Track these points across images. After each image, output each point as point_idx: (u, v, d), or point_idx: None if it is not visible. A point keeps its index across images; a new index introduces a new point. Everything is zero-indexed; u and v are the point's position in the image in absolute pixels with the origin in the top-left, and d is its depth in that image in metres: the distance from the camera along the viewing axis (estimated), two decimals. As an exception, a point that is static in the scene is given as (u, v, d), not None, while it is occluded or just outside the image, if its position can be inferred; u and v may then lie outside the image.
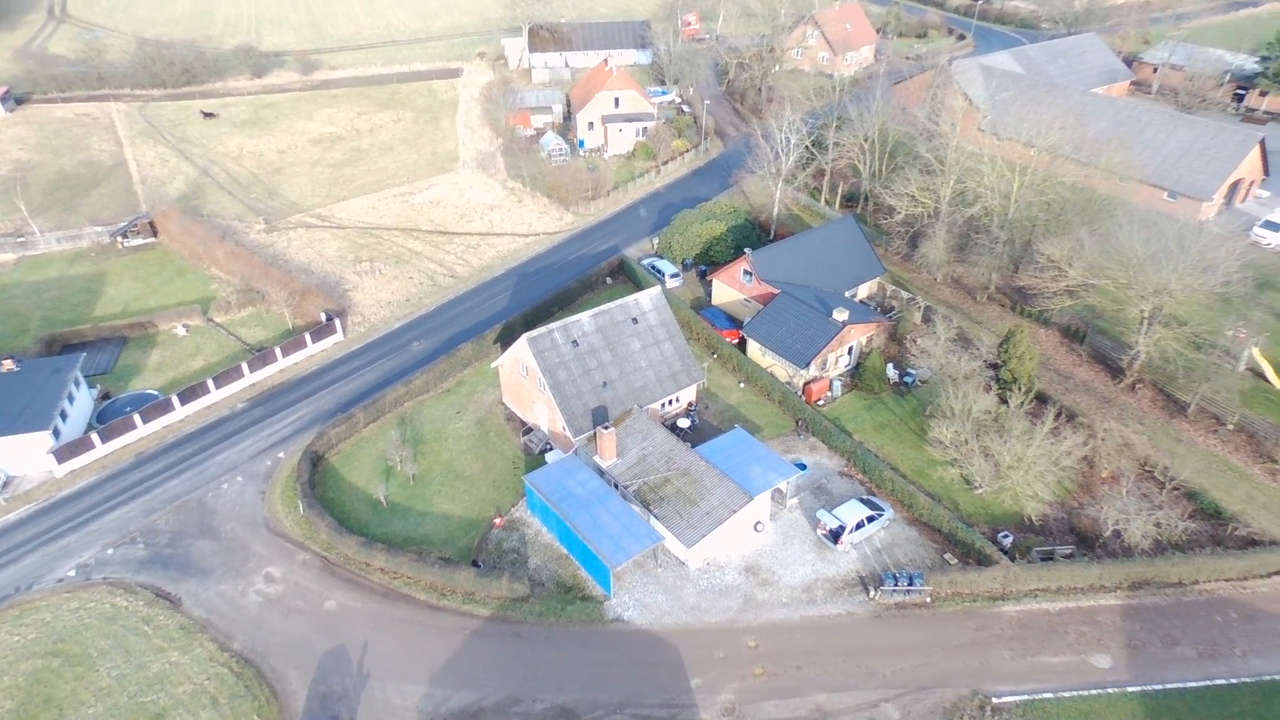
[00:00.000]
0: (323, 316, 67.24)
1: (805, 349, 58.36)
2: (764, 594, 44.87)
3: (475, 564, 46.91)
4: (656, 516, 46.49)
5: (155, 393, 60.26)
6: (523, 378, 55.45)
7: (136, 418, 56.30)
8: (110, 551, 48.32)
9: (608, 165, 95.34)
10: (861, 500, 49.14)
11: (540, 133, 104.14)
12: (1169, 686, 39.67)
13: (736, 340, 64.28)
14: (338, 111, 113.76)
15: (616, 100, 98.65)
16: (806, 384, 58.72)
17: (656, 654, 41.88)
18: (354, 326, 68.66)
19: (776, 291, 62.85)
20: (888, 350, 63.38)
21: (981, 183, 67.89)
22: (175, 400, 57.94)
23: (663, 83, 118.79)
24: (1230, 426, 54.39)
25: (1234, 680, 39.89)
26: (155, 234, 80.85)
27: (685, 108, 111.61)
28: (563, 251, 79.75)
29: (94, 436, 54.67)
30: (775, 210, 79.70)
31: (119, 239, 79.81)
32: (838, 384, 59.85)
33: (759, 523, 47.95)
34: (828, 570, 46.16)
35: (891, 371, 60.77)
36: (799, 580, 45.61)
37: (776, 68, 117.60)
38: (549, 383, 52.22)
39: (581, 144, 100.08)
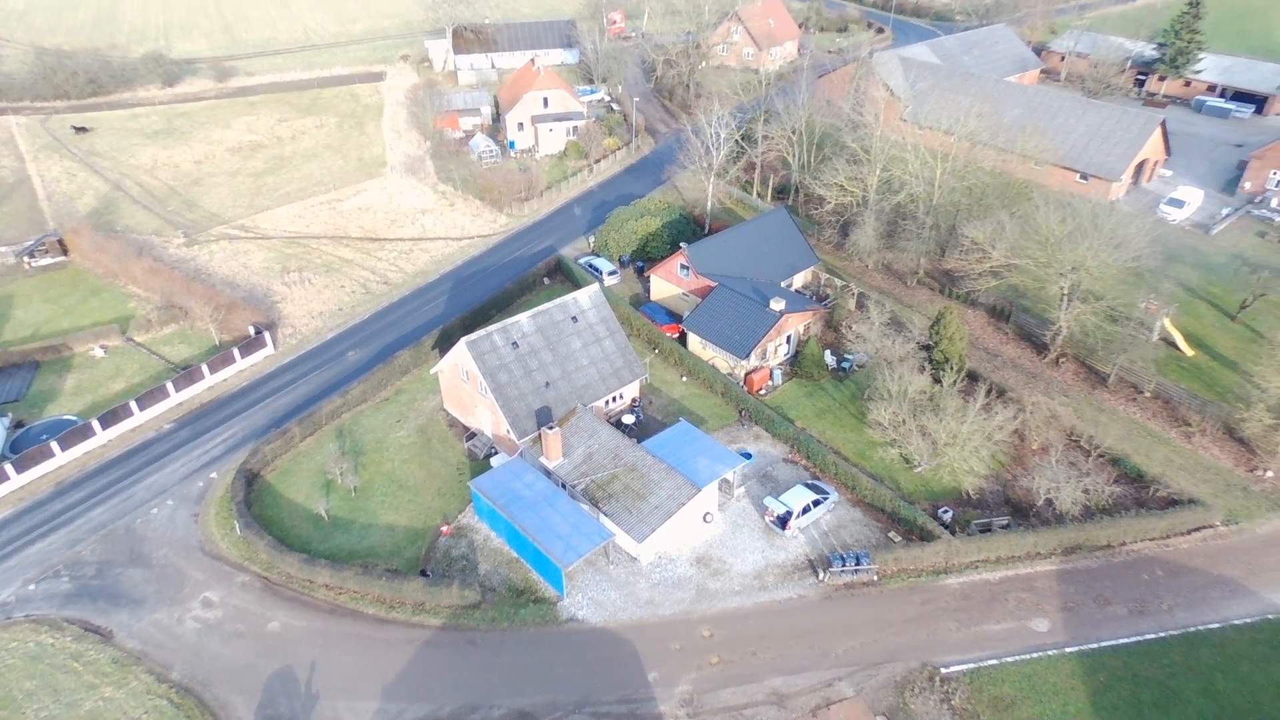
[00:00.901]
0: (251, 330, 65.03)
1: (745, 340, 59.04)
2: (716, 583, 45.23)
3: (424, 573, 46.02)
4: (606, 514, 46.41)
5: (74, 418, 57.31)
6: (463, 382, 54.66)
7: (54, 445, 53.45)
8: (32, 587, 45.78)
9: (540, 165, 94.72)
10: (807, 485, 49.98)
11: (469, 135, 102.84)
12: (1103, 645, 41.43)
13: (677, 334, 64.63)
14: (257, 119, 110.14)
15: (545, 100, 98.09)
16: (747, 374, 59.42)
17: (613, 651, 41.81)
18: (285, 339, 66.61)
19: (714, 284, 63.40)
20: (825, 337, 64.61)
21: (906, 170, 69.82)
22: (96, 425, 55.22)
23: (591, 81, 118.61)
24: (1147, 394, 57.13)
25: (1163, 634, 41.91)
26: (65, 252, 76.91)
27: (615, 106, 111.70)
28: (498, 254, 78.90)
29: (7, 467, 51.69)
30: (709, 204, 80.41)
31: (25, 259, 75.65)
32: (778, 373, 60.74)
33: (708, 513, 48.31)
34: (777, 556, 46.80)
35: (829, 358, 61.97)
36: (750, 567, 46.12)
37: (703, 64, 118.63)
38: (490, 385, 51.60)
39: (512, 145, 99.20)
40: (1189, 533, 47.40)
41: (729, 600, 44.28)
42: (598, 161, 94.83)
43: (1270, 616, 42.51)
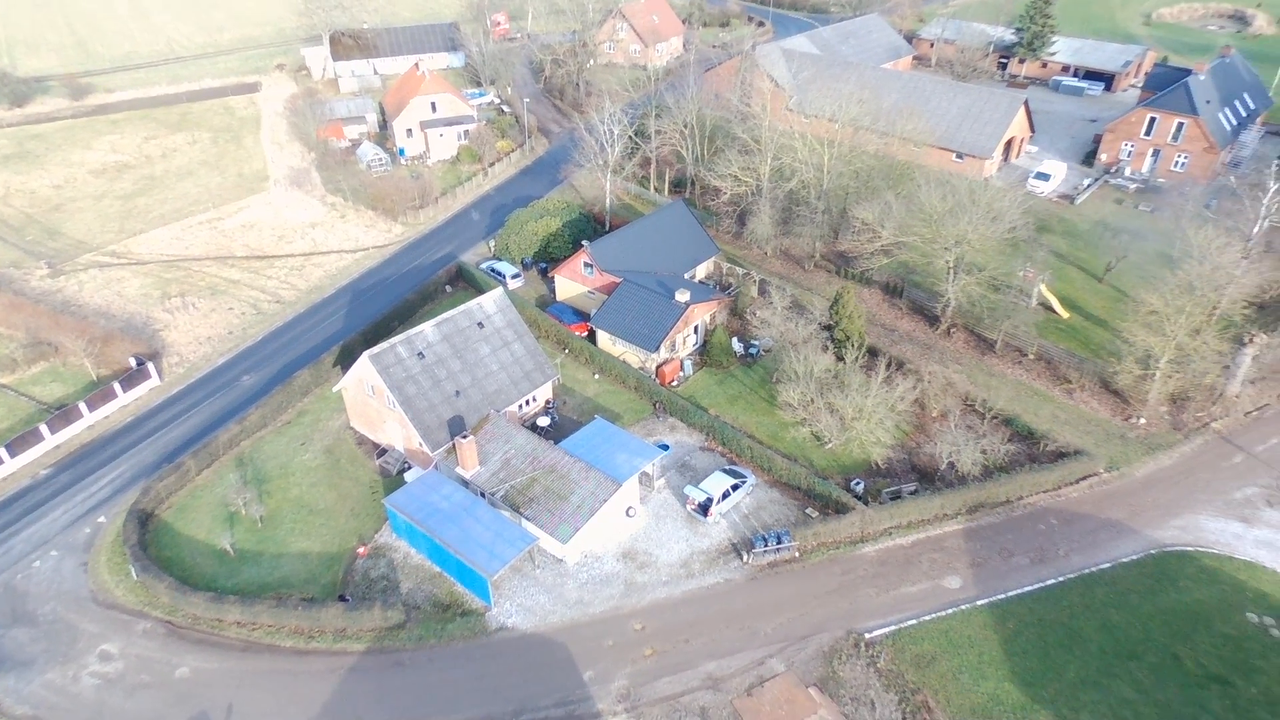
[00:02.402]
0: (133, 362, 61.00)
1: (653, 333, 59.50)
2: (644, 576, 45.44)
3: (343, 598, 44.33)
4: (528, 518, 45.89)
5: (-67, 472, 52.42)
6: (369, 398, 52.92)
7: (-88, 504, 48.77)
8: (-102, 662, 41.62)
9: (432, 172, 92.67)
10: (725, 471, 50.82)
11: (356, 144, 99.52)
12: (1010, 594, 43.89)
13: (586, 333, 64.51)
14: (121, 138, 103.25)
15: (433, 105, 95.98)
16: (659, 367, 59.92)
17: (546, 654, 41.41)
18: (171, 368, 62.80)
19: (619, 281, 63.59)
20: (730, 325, 65.85)
21: (796, 158, 71.92)
22: (-40, 477, 50.69)
23: (479, 84, 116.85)
24: (1031, 356, 60.81)
25: (1061, 578, 44.74)
26: (-91, 292, 70.12)
27: (505, 108, 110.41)
28: (396, 264, 76.74)
29: None
30: (608, 201, 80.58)
31: None
32: (688, 363, 61.50)
33: (630, 508, 48.47)
34: (701, 543, 47.41)
35: (736, 345, 63.19)
36: (675, 557, 46.55)
37: (591, 62, 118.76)
38: (398, 399, 50.15)
39: (402, 152, 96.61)
40: (1077, 482, 50.74)
41: (658, 591, 44.57)
42: (492, 165, 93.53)
43: (1153, 552, 46.03)
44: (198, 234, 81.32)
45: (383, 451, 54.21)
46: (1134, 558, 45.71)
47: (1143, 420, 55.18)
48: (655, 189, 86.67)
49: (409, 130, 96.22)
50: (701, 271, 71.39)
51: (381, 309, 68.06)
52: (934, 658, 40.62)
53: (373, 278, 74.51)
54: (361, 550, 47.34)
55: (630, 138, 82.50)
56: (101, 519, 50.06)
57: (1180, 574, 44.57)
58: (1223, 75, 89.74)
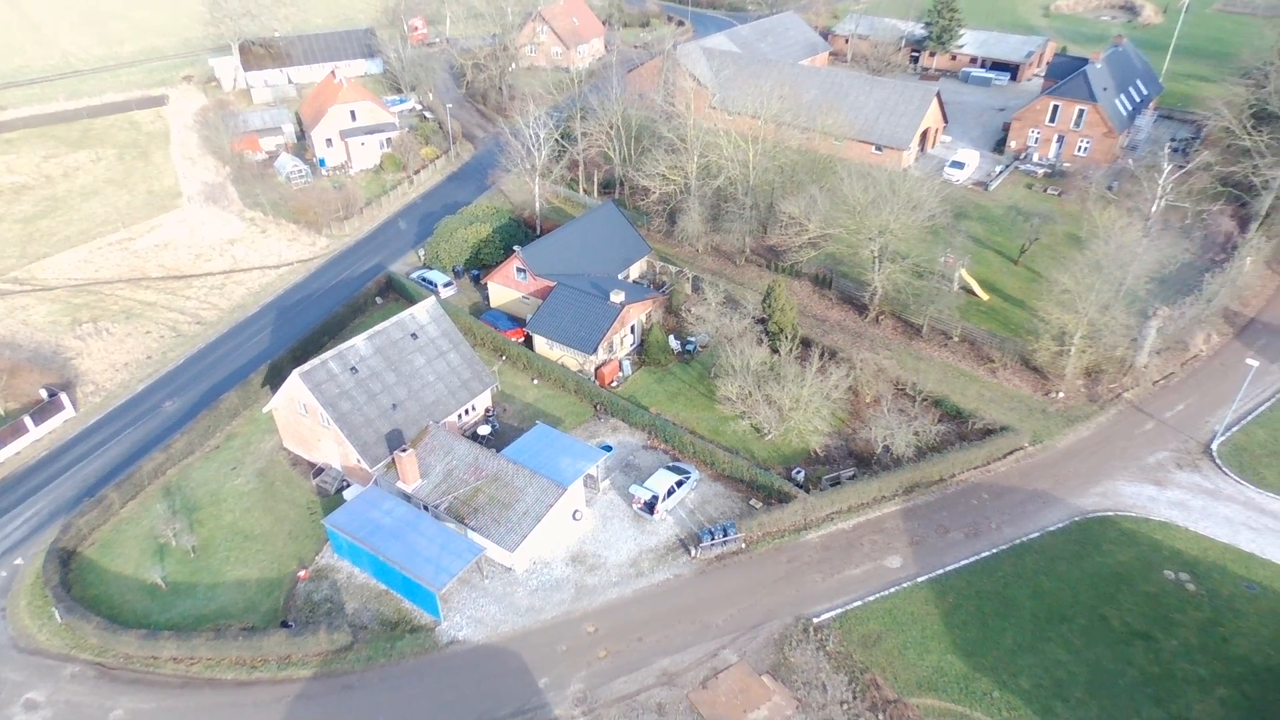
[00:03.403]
0: (43, 394, 57.96)
1: (590, 335, 59.54)
2: (594, 579, 45.50)
3: (285, 625, 43.10)
4: (473, 528, 45.43)
5: None
6: (302, 416, 51.52)
7: None
8: None
9: (355, 181, 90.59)
10: (668, 468, 51.25)
11: (273, 155, 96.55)
12: (948, 569, 45.52)
13: (522, 338, 64.14)
14: (17, 158, 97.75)
15: (352, 113, 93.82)
16: (597, 369, 60.01)
17: (500, 664, 41.10)
18: (86, 398, 59.89)
19: (553, 284, 63.42)
20: (666, 323, 66.39)
21: (722, 155, 72.93)
22: None
23: (399, 91, 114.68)
24: (956, 339, 63.09)
25: (995, 550, 46.61)
26: None
27: (428, 114, 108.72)
28: (323, 277, 74.82)
29: None
30: (537, 205, 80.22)
31: None
32: (627, 363, 61.77)
33: (576, 511, 48.44)
34: (649, 541, 47.73)
35: (673, 342, 63.75)
36: (624, 557, 46.75)
37: (513, 66, 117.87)
38: (333, 416, 48.99)
39: (322, 162, 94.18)
40: (1004, 457, 52.91)
41: (609, 593, 44.69)
42: (417, 172, 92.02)
43: (1076, 519, 48.38)
44: (108, 256, 77.69)
45: (319, 471, 52.84)
46: (1060, 526, 47.95)
47: (1061, 394, 57.88)
48: (584, 191, 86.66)
49: (329, 140, 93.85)
50: (635, 271, 71.75)
51: (310, 324, 66.26)
52: (880, 636, 41.85)
53: (299, 293, 72.49)
54: (302, 574, 46.08)
55: (557, 140, 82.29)
56: (19, 561, 47.47)
57: (1102, 538, 46.97)
58: (1117, 63, 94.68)
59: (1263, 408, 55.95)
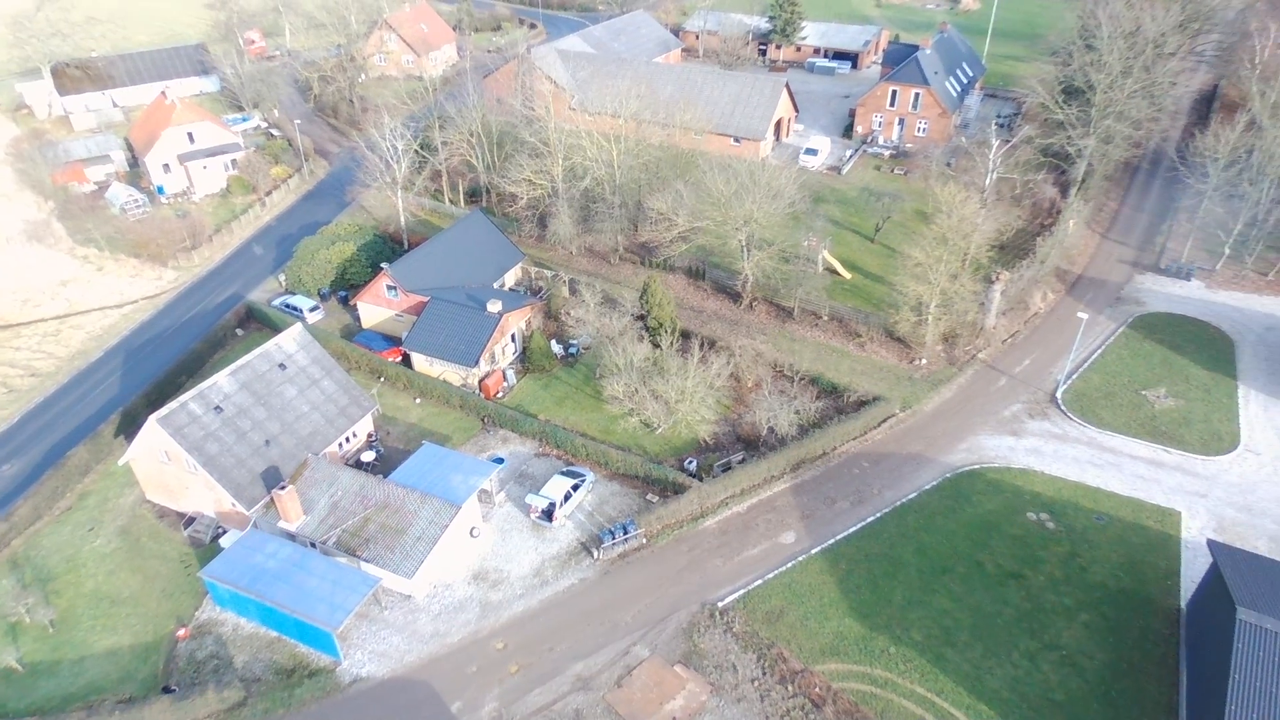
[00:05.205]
0: None
1: (469, 348, 58.49)
2: (498, 594, 44.84)
3: (168, 690, 40.10)
4: (366, 560, 43.77)
5: None
6: (165, 465, 47.98)
7: None
8: None
9: (201, 208, 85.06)
10: (563, 473, 51.11)
11: (104, 186, 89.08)
12: (839, 538, 47.73)
13: (400, 358, 62.19)
14: None
15: (190, 135, 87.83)
16: (481, 381, 59.03)
17: (409, 696, 39.83)
18: (-96, 472, 53.46)
19: (426, 299, 61.83)
20: (547, 328, 66.08)
21: (586, 156, 73.21)
22: None
23: (241, 109, 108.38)
24: (825, 318, 66.11)
25: (879, 514, 49.26)
26: None
27: (275, 131, 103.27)
28: (173, 313, 69.83)
29: None
30: (402, 219, 77.88)
31: None
32: (510, 373, 61.07)
33: (474, 528, 47.55)
34: (551, 549, 47.48)
35: (556, 347, 63.55)
36: (527, 568, 46.32)
37: (362, 77, 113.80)
38: (199, 460, 45.90)
39: (161, 190, 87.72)
40: (879, 425, 55.98)
41: (514, 606, 44.17)
42: (269, 194, 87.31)
43: (948, 475, 51.83)
44: (-86, 310, 69.53)
45: (190, 520, 49.38)
46: (934, 484, 51.23)
47: (924, 361, 61.78)
48: (450, 201, 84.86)
49: (165, 165, 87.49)
50: (510, 279, 70.97)
51: (163, 365, 61.75)
52: (782, 611, 43.40)
53: (147, 332, 67.34)
54: (182, 632, 43.00)
55: (416, 151, 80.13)
56: None
57: (972, 490, 50.57)
58: (944, 48, 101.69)
59: (1095, 355, 61.78)
